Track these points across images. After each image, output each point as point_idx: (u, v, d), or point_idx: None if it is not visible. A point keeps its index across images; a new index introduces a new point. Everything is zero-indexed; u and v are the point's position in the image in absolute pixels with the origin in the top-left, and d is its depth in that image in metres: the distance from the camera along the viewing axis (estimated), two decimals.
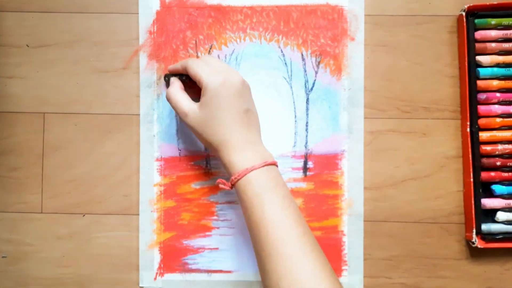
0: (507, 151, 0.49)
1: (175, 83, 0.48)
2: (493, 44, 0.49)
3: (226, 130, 0.44)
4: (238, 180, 0.42)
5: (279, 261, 0.39)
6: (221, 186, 0.45)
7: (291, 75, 0.51)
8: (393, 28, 0.51)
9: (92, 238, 0.51)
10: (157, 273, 0.50)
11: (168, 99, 0.47)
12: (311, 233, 0.41)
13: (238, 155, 0.43)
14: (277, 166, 0.44)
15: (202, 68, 0.45)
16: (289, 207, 0.42)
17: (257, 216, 0.41)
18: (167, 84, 0.50)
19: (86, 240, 0.51)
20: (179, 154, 0.51)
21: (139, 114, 0.51)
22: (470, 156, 0.49)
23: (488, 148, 0.49)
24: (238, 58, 0.51)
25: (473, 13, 0.49)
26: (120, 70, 0.51)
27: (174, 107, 0.47)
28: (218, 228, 0.51)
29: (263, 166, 0.42)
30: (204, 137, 0.45)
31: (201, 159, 0.51)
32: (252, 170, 0.42)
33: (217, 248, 0.50)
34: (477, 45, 0.49)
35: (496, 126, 0.49)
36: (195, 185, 0.51)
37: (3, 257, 0.51)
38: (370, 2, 0.51)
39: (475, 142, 0.49)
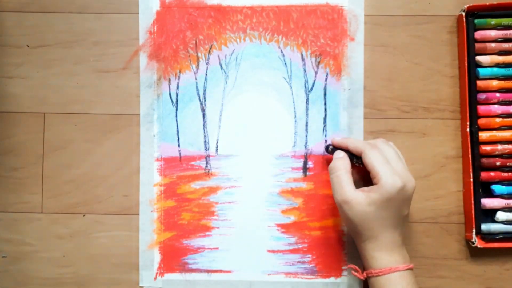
0: (506, 151, 0.49)
1: (346, 161, 0.45)
2: (493, 44, 0.49)
3: (383, 230, 0.43)
4: (378, 275, 0.43)
5: None
6: (354, 273, 0.46)
7: (291, 75, 0.51)
8: (393, 28, 0.51)
9: (92, 238, 0.51)
10: (157, 273, 0.50)
11: (331, 173, 0.45)
12: None
13: (385, 253, 0.43)
14: (412, 269, 0.44)
15: (382, 163, 0.43)
16: None
17: None
18: (327, 151, 0.49)
19: (86, 240, 0.51)
20: (179, 154, 0.51)
21: (139, 114, 0.51)
22: (470, 156, 0.49)
23: (487, 148, 0.49)
24: (238, 58, 0.51)
25: (473, 13, 0.49)
26: (120, 70, 0.51)
27: (334, 186, 0.44)
28: (218, 228, 0.51)
29: (406, 269, 0.43)
30: (358, 228, 0.43)
31: (201, 159, 0.51)
32: (395, 271, 0.43)
33: (217, 248, 0.50)
34: (477, 45, 0.49)
35: (496, 126, 0.49)
36: (195, 185, 0.51)
37: (3, 257, 0.51)
38: (370, 2, 0.51)
39: (475, 142, 0.49)
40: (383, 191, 0.42)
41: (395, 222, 0.43)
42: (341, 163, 0.45)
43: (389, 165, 0.43)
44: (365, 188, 0.43)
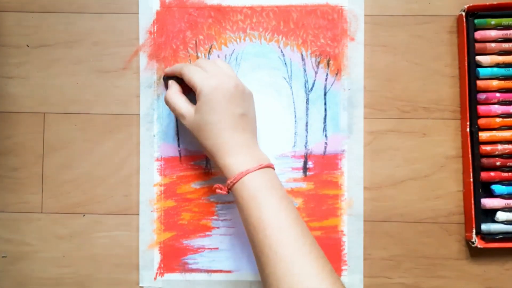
0: (507, 151, 0.49)
1: (173, 86, 0.48)
2: (493, 44, 0.49)
3: (220, 134, 0.44)
4: (234, 184, 0.42)
5: (278, 264, 0.39)
6: (218, 191, 0.45)
7: (291, 75, 0.51)
8: (393, 28, 0.51)
9: (92, 238, 0.51)
10: (157, 273, 0.50)
11: (166, 102, 0.47)
12: (310, 234, 0.41)
13: (232, 158, 0.43)
14: (273, 168, 0.44)
15: (197, 73, 0.45)
16: (286, 209, 0.41)
17: (254, 219, 0.41)
18: (166, 86, 0.50)
19: (86, 240, 0.51)
20: (179, 154, 0.51)
21: (139, 114, 0.51)
22: (470, 156, 0.49)
23: (488, 148, 0.49)
24: (238, 58, 0.51)
25: (473, 13, 0.49)
26: (120, 70, 0.52)
27: (172, 109, 0.47)
28: (218, 228, 0.51)
29: (258, 169, 0.42)
30: (200, 141, 0.45)
31: (201, 159, 0.51)
32: (247, 174, 0.42)
33: (217, 248, 0.50)
34: (477, 45, 0.49)
35: (496, 126, 0.49)
36: (195, 185, 0.51)
37: (3, 257, 0.51)
38: (370, 2, 0.51)
39: (475, 142, 0.49)
40: (202, 95, 0.44)
41: (231, 123, 0.43)
42: (170, 90, 0.48)
43: (204, 72, 0.45)
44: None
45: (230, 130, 0.44)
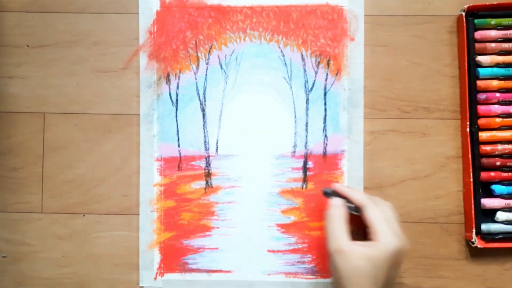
0: (506, 151, 0.49)
1: (341, 209, 0.44)
2: (493, 44, 0.49)
3: None
4: None
5: None
6: None
7: (291, 75, 0.51)
8: (393, 28, 0.51)
9: (92, 238, 0.51)
10: (157, 273, 0.50)
11: (327, 221, 0.44)
12: None
13: None
14: None
15: (383, 222, 0.42)
16: None
17: None
18: (325, 195, 0.46)
19: (86, 240, 0.51)
20: (179, 154, 0.51)
21: (139, 114, 0.51)
22: (470, 156, 0.49)
23: (487, 148, 0.49)
24: (238, 58, 0.51)
25: (473, 13, 0.49)
26: (120, 70, 0.52)
27: (329, 234, 0.43)
28: (218, 228, 0.51)
29: None
30: (345, 284, 0.41)
31: (201, 159, 0.51)
32: None
33: (217, 248, 0.50)
34: (477, 45, 0.49)
35: (496, 126, 0.49)
36: (195, 185, 0.51)
37: (3, 257, 0.51)
38: (370, 2, 0.51)
39: (475, 142, 0.49)
40: (383, 249, 0.40)
41: (385, 287, 0.41)
42: (338, 212, 0.44)
43: (388, 224, 0.42)
44: (360, 242, 0.42)
45: None
